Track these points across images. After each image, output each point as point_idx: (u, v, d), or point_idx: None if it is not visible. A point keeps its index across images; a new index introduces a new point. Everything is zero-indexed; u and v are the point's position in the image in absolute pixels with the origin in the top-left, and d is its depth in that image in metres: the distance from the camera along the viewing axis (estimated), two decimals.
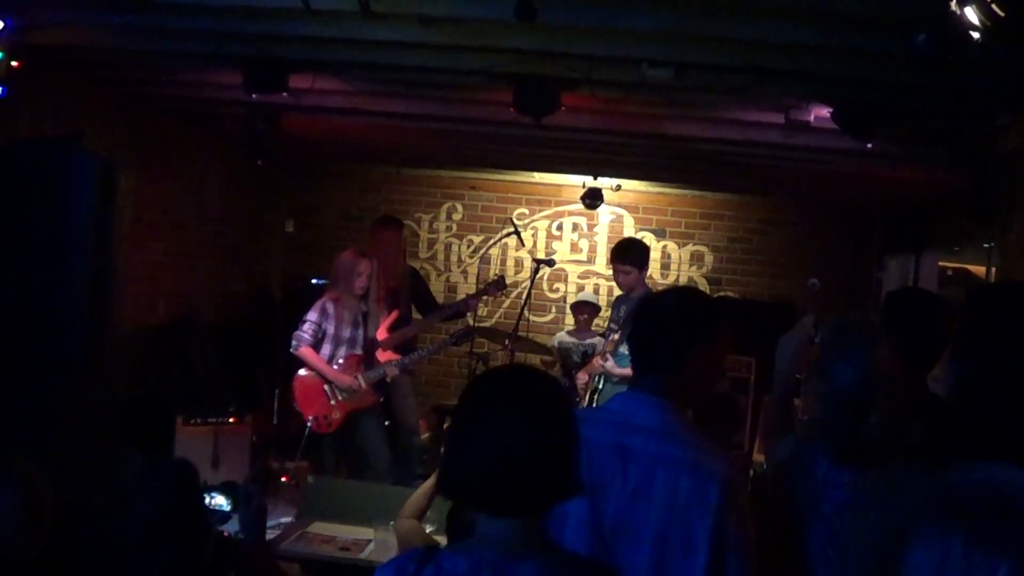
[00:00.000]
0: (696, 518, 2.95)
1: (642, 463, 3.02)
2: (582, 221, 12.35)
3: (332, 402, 7.98)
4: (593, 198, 11.20)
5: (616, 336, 7.63)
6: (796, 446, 3.80)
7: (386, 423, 8.69)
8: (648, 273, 8.16)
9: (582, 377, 8.16)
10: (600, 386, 7.73)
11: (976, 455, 2.33)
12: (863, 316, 4.55)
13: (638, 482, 3.01)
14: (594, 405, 7.66)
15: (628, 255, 7.97)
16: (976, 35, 4.25)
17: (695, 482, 2.96)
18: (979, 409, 2.45)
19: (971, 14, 4.21)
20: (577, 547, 2.99)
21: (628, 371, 7.52)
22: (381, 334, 8.48)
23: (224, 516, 4.37)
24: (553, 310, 12.31)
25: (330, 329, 7.97)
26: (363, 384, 8.02)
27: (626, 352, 7.59)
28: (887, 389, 3.45)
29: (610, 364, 7.63)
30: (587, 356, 9.23)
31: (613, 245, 8.57)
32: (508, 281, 11.89)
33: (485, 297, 9.32)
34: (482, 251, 12.32)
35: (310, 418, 7.94)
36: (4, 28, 5.81)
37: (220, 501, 4.37)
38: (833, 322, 3.83)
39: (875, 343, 3.55)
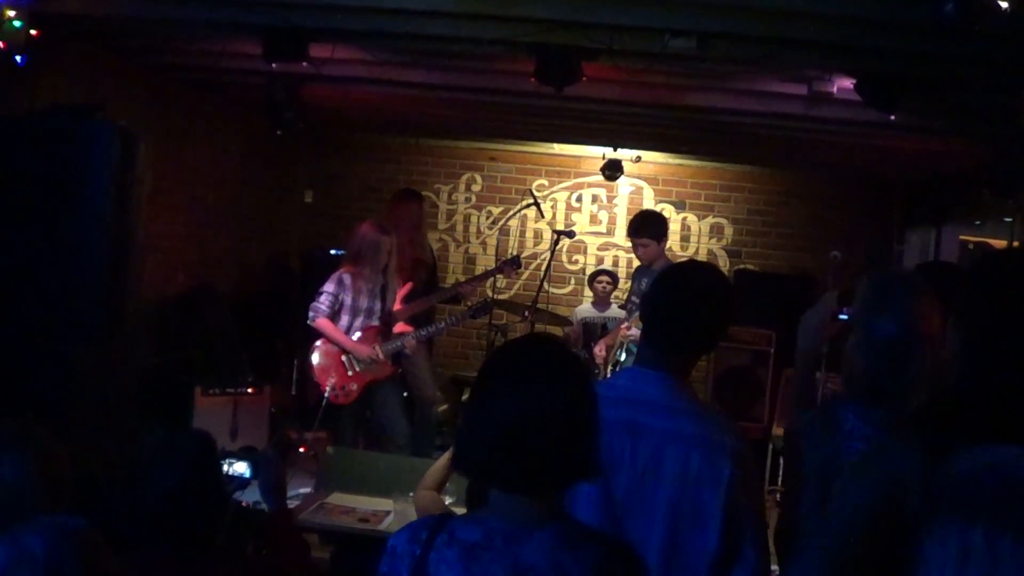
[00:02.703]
0: (708, 492, 2.96)
1: (652, 439, 3.02)
2: (602, 193, 12.31)
3: (350, 373, 7.98)
4: (613, 169, 11.17)
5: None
6: (823, 404, 3.77)
7: (404, 394, 8.69)
8: (667, 244, 8.10)
9: (600, 350, 8.13)
10: (622, 358, 7.70)
11: (971, 428, 2.30)
12: (905, 270, 4.50)
13: (648, 459, 3.01)
14: None
15: (644, 229, 7.94)
16: (1004, 5, 4.21)
17: (706, 457, 2.97)
18: (977, 380, 2.41)
19: None
20: (593, 520, 2.99)
21: None
22: (395, 305, 8.48)
23: (243, 483, 4.36)
24: (572, 282, 12.28)
25: (347, 300, 7.96)
26: (381, 355, 8.02)
27: None
28: (928, 345, 3.40)
29: (634, 332, 7.60)
30: (606, 329, 9.21)
31: (629, 219, 8.51)
32: (527, 253, 11.97)
33: (499, 275, 9.23)
34: (501, 223, 12.30)
35: (328, 389, 7.94)
36: None
37: (239, 468, 4.35)
38: (874, 276, 3.76)
39: (917, 296, 3.49)
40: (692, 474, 2.96)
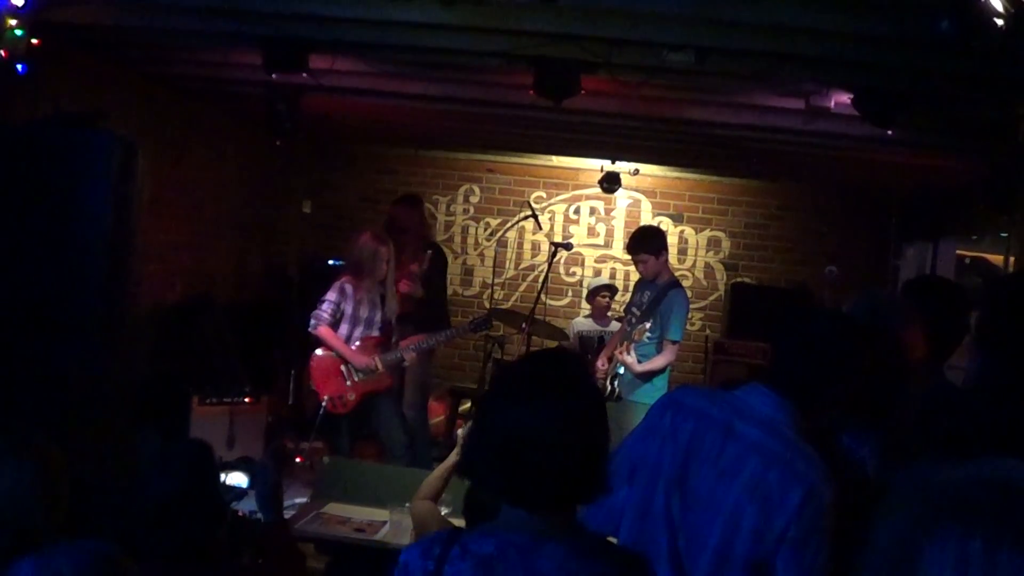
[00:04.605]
0: (770, 512, 2.92)
1: (740, 446, 3.03)
2: (599, 205, 12.34)
3: (348, 383, 8.00)
4: (611, 182, 11.20)
5: (648, 324, 7.57)
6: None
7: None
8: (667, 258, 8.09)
9: (602, 363, 8.11)
10: (621, 371, 7.70)
11: (1000, 448, 2.29)
12: (893, 292, 4.51)
13: (730, 462, 3.02)
14: (615, 390, 7.65)
15: (640, 246, 7.93)
16: (1000, 22, 4.23)
17: (781, 478, 2.93)
18: (1004, 401, 2.40)
19: (995, 0, 4.19)
20: (662, 501, 3.08)
21: (647, 366, 7.54)
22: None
23: (240, 493, 4.37)
24: (570, 294, 12.30)
25: (348, 310, 7.98)
26: (380, 366, 8.03)
27: (648, 340, 7.59)
28: (913, 368, 3.42)
29: (631, 359, 7.58)
30: (602, 342, 9.21)
31: (628, 235, 8.51)
32: (524, 264, 12.00)
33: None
34: (499, 234, 12.31)
35: (325, 398, 7.95)
36: (25, 5, 5.81)
37: (236, 478, 4.37)
38: (865, 297, 3.77)
39: (907, 319, 3.51)
40: (763, 489, 2.95)
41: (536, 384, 2.42)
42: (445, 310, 9.33)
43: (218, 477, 3.94)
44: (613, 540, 3.14)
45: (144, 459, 6.31)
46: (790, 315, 3.42)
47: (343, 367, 7.99)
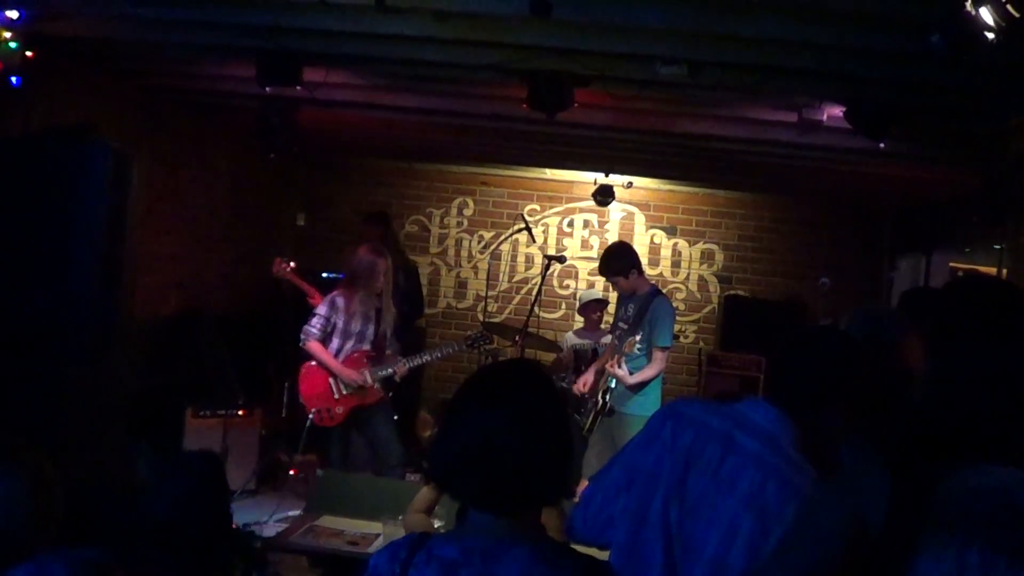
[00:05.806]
0: (769, 524, 2.93)
1: (739, 456, 3.03)
2: (593, 218, 12.35)
3: (336, 396, 7.98)
4: (604, 195, 11.19)
5: (638, 337, 7.57)
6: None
7: (395, 417, 8.66)
8: (640, 272, 8.02)
9: (584, 385, 8.07)
10: (613, 384, 7.70)
11: (941, 453, 2.31)
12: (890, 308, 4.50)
13: (729, 473, 3.02)
14: (607, 403, 7.65)
15: (608, 268, 7.92)
16: (990, 36, 4.25)
17: (779, 491, 2.94)
18: (949, 405, 2.42)
19: (986, 14, 4.22)
20: (659, 510, 3.06)
21: (639, 377, 7.54)
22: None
23: None
24: (563, 306, 12.30)
25: (339, 323, 7.96)
26: (369, 380, 8.01)
27: (638, 352, 7.59)
28: (913, 379, 3.42)
29: (622, 372, 7.58)
30: (596, 354, 9.21)
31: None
32: (518, 277, 12.01)
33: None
34: (493, 247, 12.31)
35: (312, 411, 7.94)
36: (20, 18, 5.82)
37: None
38: (862, 312, 3.77)
39: (906, 332, 3.51)
40: (761, 501, 2.96)
41: (497, 389, 2.48)
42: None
43: (227, 487, 3.93)
44: (607, 550, 3.16)
45: (140, 471, 6.30)
46: (790, 331, 3.41)
47: (331, 380, 7.97)
